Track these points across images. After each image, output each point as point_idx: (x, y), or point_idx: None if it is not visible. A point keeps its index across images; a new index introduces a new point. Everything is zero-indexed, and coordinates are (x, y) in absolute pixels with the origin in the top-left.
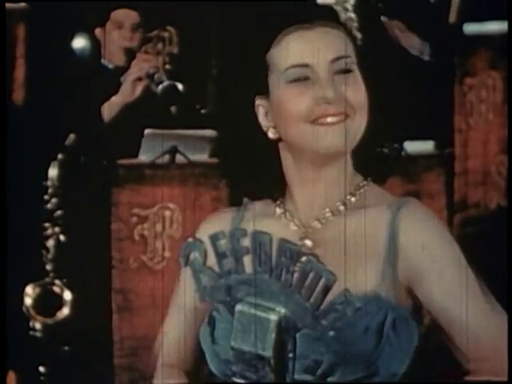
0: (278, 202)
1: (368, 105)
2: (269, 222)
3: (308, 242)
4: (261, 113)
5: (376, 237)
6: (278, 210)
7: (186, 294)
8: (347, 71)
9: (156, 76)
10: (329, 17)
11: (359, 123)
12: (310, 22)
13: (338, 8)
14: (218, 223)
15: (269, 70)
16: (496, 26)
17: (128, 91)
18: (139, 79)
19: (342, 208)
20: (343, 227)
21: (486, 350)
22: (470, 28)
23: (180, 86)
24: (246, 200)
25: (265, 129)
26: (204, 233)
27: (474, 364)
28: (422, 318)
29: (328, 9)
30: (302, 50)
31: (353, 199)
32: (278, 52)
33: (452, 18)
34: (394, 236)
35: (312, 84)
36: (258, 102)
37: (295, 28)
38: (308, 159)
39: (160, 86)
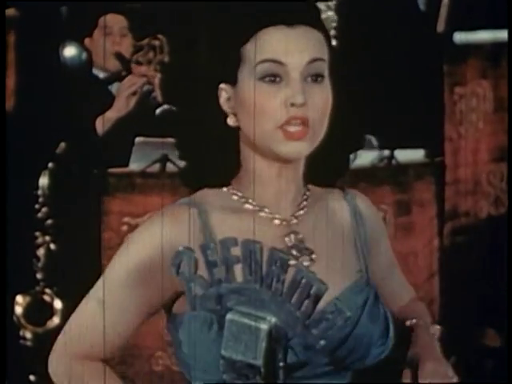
0: (240, 196)
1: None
2: (243, 217)
3: (293, 237)
4: (223, 97)
5: (342, 226)
6: (249, 206)
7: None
8: (319, 75)
9: (152, 96)
10: (312, 16)
11: (319, 130)
12: (293, 23)
13: (321, 6)
14: (181, 221)
15: (241, 62)
16: (486, 35)
17: (122, 106)
18: (133, 94)
19: (305, 203)
20: (315, 221)
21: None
22: (460, 37)
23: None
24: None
25: (226, 112)
26: (167, 229)
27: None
28: None
29: (312, 7)
30: (278, 47)
31: (309, 193)
32: (254, 45)
33: (441, 26)
34: (360, 221)
35: (283, 85)
36: (223, 86)
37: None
38: (267, 156)
39: (158, 110)
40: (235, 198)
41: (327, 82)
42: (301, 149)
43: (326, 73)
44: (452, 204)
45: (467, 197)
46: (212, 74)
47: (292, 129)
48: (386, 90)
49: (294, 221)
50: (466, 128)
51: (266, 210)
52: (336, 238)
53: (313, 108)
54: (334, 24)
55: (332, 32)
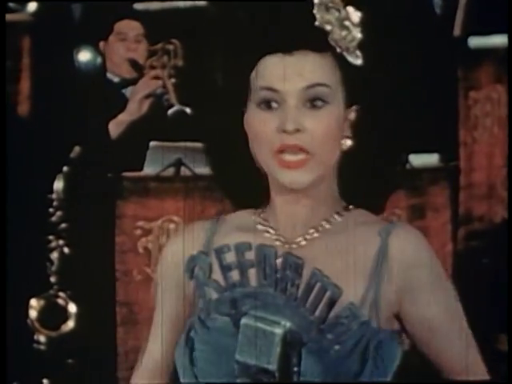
0: (259, 216)
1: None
2: (247, 235)
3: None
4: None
5: (363, 260)
6: (260, 226)
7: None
8: (319, 101)
9: (164, 97)
10: (313, 41)
11: (323, 157)
12: (291, 50)
13: (334, 28)
14: (192, 235)
15: (249, 89)
16: (501, 40)
17: (135, 109)
18: (146, 97)
19: (327, 226)
20: (330, 245)
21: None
22: (475, 41)
23: (188, 110)
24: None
25: None
26: (174, 243)
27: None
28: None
29: (314, 31)
30: (274, 74)
31: (339, 219)
32: (255, 73)
33: (457, 31)
34: (383, 262)
35: (278, 112)
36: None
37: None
38: (274, 183)
39: (170, 111)
40: (256, 217)
41: (331, 107)
42: (299, 179)
43: (332, 98)
44: (466, 208)
45: (482, 201)
46: (234, 102)
47: (287, 157)
48: (400, 94)
49: (303, 243)
50: (481, 132)
51: (270, 229)
52: (348, 268)
53: (311, 135)
54: (354, 43)
55: (352, 51)
